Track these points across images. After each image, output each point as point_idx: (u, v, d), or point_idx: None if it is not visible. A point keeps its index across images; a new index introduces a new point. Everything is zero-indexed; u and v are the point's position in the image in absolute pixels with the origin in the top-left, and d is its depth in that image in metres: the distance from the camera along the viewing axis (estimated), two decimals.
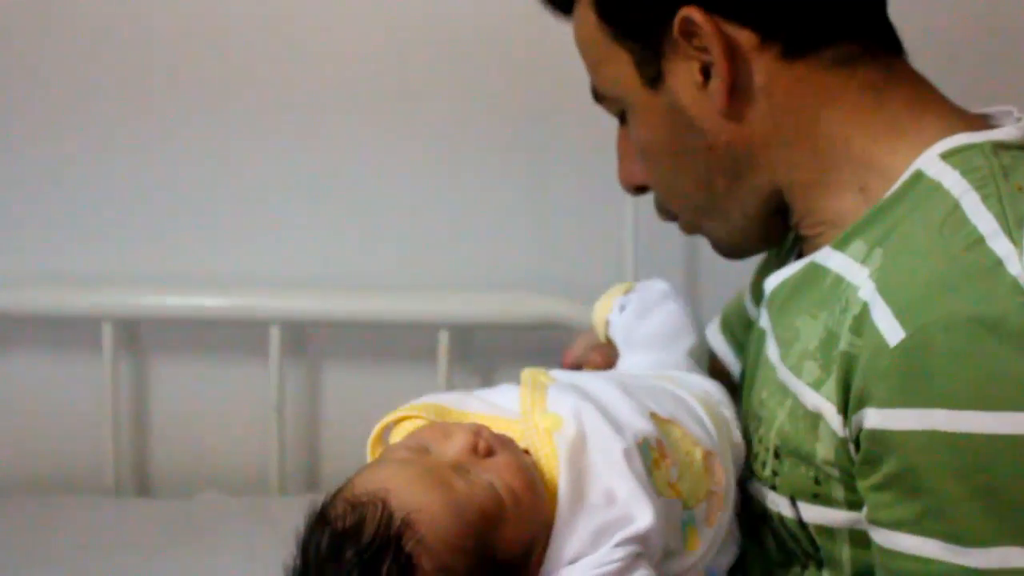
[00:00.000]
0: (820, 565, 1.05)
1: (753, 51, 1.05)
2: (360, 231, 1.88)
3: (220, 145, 1.89)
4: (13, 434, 1.95)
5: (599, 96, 1.19)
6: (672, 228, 1.87)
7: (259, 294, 1.85)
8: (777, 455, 1.08)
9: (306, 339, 1.90)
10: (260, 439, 1.90)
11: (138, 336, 1.93)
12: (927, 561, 0.93)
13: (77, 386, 1.91)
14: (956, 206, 0.97)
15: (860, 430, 0.96)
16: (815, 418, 1.02)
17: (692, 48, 1.06)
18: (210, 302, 1.82)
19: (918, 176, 1.02)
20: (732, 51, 1.05)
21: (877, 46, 1.07)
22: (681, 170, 1.14)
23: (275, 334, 1.81)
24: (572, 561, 0.95)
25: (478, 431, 1.00)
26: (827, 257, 1.06)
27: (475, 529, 0.93)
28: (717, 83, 1.07)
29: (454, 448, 0.98)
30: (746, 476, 1.13)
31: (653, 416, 1.04)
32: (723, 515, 1.06)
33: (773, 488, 1.08)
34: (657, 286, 1.23)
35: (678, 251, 1.90)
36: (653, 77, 1.10)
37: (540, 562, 0.98)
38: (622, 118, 1.18)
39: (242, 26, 1.88)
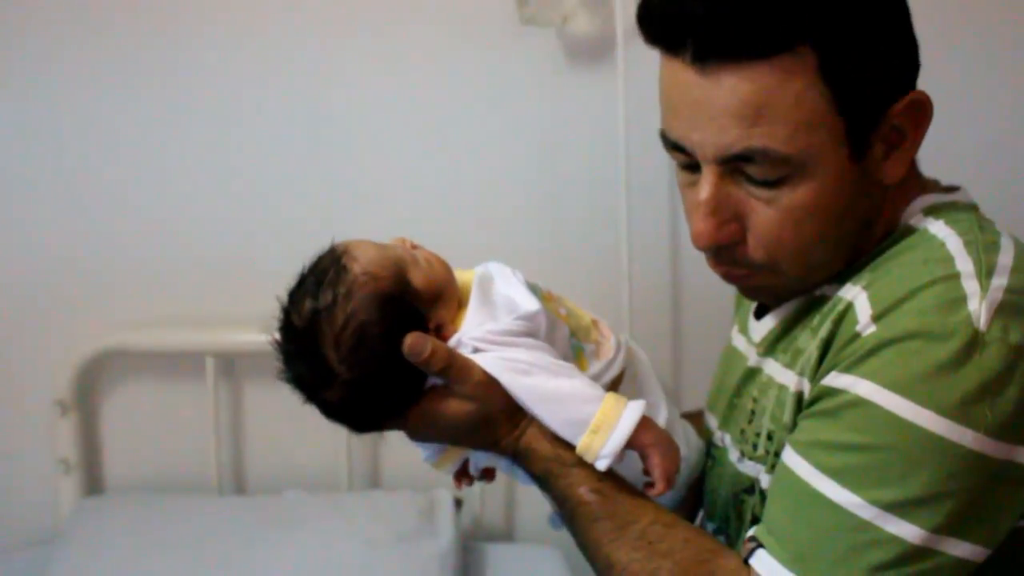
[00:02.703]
0: None
1: None
2: None
3: (298, 213, 2.02)
4: (137, 446, 2.10)
5: (749, 158, 1.04)
6: (657, 247, 1.94)
7: None
8: (770, 437, 1.14)
9: None
10: (332, 447, 2.01)
11: (234, 367, 2.07)
12: (794, 476, 1.04)
13: (186, 407, 2.07)
14: (942, 245, 1.05)
15: (817, 386, 1.05)
16: (792, 397, 1.10)
17: (893, 125, 1.06)
18: None
19: (907, 228, 1.11)
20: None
21: None
22: (832, 231, 1.09)
23: None
24: (479, 326, 1.13)
25: (405, 238, 1.21)
26: (829, 288, 1.13)
27: (393, 261, 1.14)
28: (904, 156, 1.07)
29: (391, 243, 1.19)
30: (735, 459, 1.21)
31: (548, 288, 1.23)
32: (614, 356, 1.21)
33: (764, 464, 1.15)
34: None
35: (664, 262, 2.04)
36: (859, 148, 1.05)
37: (450, 326, 1.15)
38: (774, 180, 1.05)
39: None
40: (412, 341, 1.09)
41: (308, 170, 2.03)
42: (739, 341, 1.29)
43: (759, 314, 1.25)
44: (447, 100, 2.01)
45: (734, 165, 1.05)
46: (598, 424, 1.07)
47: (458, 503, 1.99)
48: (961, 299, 0.99)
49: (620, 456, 1.08)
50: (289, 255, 1.94)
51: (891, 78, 1.05)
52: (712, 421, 1.31)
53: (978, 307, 0.99)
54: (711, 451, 1.31)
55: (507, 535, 2.12)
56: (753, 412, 1.18)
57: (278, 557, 1.85)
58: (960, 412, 0.97)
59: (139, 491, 2.09)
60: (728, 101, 1.01)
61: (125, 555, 1.87)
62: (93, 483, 2.10)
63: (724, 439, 1.25)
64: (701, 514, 1.34)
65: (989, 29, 1.96)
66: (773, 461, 1.13)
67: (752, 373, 1.21)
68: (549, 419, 1.10)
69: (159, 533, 1.91)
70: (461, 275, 1.20)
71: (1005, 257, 1.04)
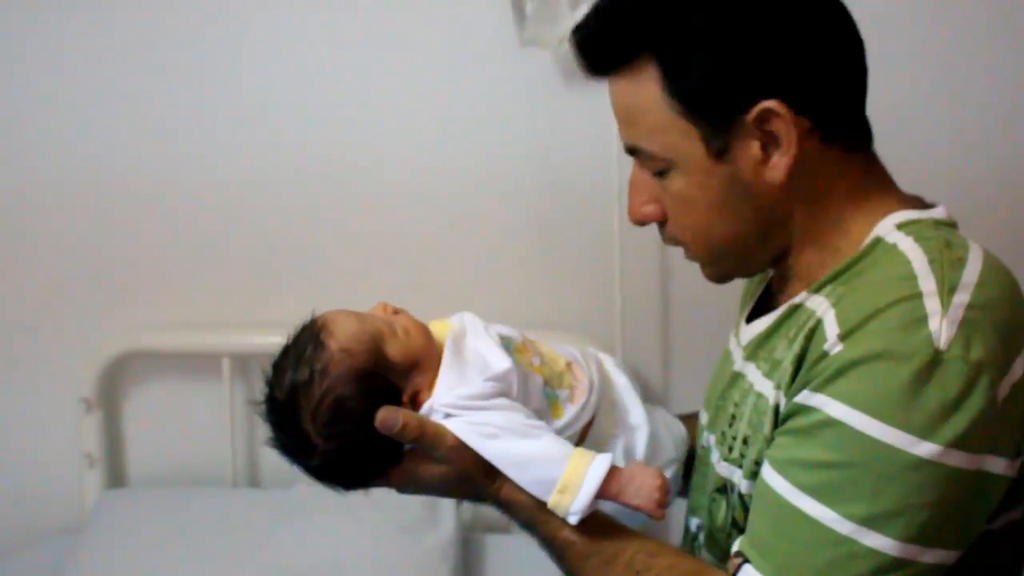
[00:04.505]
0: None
1: (805, 135, 1.10)
2: (419, 294, 1.78)
3: (306, 222, 2.07)
4: (157, 442, 2.14)
5: (637, 151, 1.15)
6: (648, 260, 1.96)
7: None
8: (746, 442, 1.16)
9: None
10: None
11: (249, 368, 2.07)
12: (774, 493, 1.07)
13: (203, 406, 2.10)
14: (907, 263, 1.06)
15: (791, 403, 1.08)
16: (768, 409, 1.13)
17: (759, 130, 1.09)
18: None
19: (877, 240, 1.12)
20: (798, 136, 1.09)
21: (864, 137, 1.17)
22: (718, 223, 1.15)
23: None
24: (451, 389, 1.16)
25: (386, 303, 1.24)
26: (805, 299, 1.15)
27: (370, 335, 1.16)
28: (781, 160, 1.10)
29: (371, 311, 1.22)
30: (715, 460, 1.23)
31: (522, 336, 1.26)
32: (587, 399, 1.23)
33: (740, 467, 1.17)
34: None
35: (655, 274, 2.06)
36: (720, 150, 1.10)
37: (427, 391, 1.17)
38: (659, 171, 1.14)
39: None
40: (383, 416, 1.13)
41: (316, 181, 2.06)
42: (732, 344, 1.31)
43: (750, 319, 1.28)
44: (448, 117, 2.03)
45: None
46: (564, 484, 1.10)
47: None
48: (923, 319, 1.02)
49: (591, 508, 1.11)
50: (296, 263, 2.05)
51: (739, 88, 1.09)
52: (703, 419, 1.34)
53: (939, 326, 1.01)
54: (697, 450, 1.34)
55: (505, 527, 2.14)
56: (734, 416, 1.21)
57: (289, 547, 1.88)
58: (926, 429, 1.00)
59: (159, 484, 2.13)
60: (613, 106, 1.17)
61: (145, 544, 1.91)
62: (116, 476, 2.15)
63: (709, 439, 1.28)
64: (685, 507, 1.36)
65: (961, 32, 1.95)
66: (750, 466, 1.16)
67: (736, 377, 1.24)
68: (519, 480, 1.13)
69: (177, 524, 1.96)
70: (437, 327, 1.24)
71: (969, 274, 1.06)
